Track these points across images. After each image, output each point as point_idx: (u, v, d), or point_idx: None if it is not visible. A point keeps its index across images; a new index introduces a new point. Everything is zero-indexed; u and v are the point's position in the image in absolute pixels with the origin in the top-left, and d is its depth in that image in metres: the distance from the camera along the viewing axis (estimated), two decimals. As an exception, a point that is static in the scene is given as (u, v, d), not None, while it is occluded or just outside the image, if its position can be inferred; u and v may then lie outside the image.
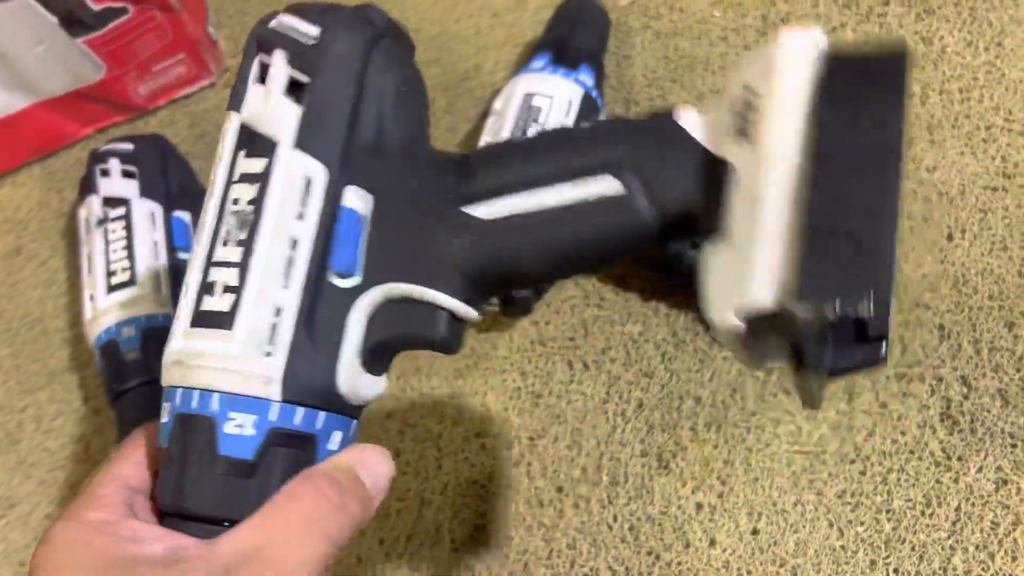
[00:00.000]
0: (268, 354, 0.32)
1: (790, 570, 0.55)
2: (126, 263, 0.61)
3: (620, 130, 0.34)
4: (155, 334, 0.60)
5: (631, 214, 0.33)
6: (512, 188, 0.33)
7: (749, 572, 0.55)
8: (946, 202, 0.64)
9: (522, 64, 0.75)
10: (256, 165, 0.33)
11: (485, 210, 0.34)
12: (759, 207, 0.29)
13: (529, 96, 0.64)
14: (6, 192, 0.77)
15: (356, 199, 0.33)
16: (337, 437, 0.34)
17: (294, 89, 0.33)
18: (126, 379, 0.59)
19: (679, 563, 0.55)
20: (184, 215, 0.65)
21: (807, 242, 0.28)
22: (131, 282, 0.61)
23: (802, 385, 0.30)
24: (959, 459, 0.56)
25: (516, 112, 0.64)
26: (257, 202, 0.32)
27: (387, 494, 0.34)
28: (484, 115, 0.74)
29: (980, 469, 0.55)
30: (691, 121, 0.33)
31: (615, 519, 0.58)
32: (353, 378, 0.34)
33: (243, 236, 0.32)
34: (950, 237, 0.62)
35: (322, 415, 0.33)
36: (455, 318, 0.34)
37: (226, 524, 0.31)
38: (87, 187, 0.66)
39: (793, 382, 0.31)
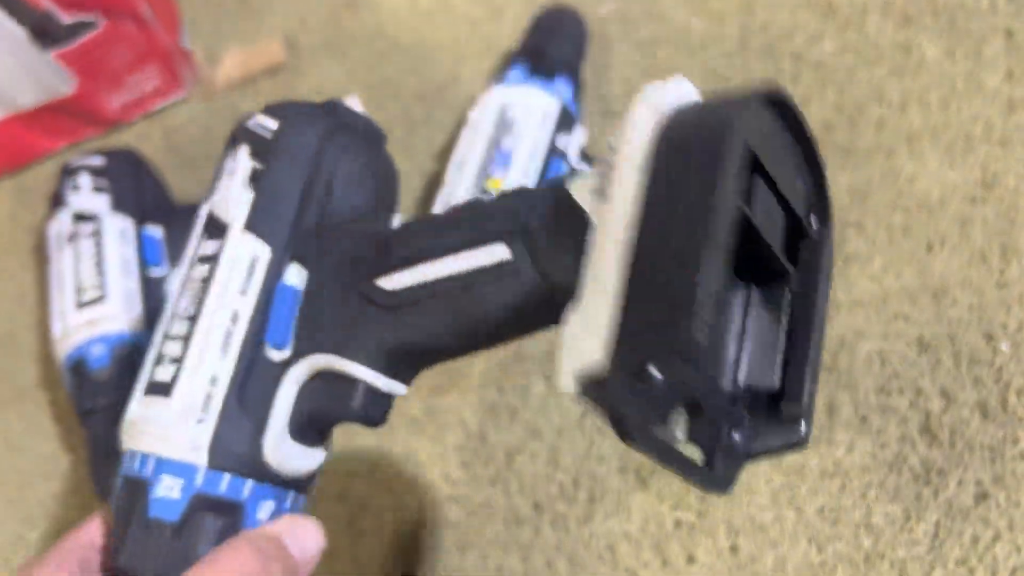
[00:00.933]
0: (200, 421, 0.33)
1: (769, 588, 0.54)
2: (96, 279, 0.61)
3: (519, 199, 0.34)
4: (125, 352, 0.59)
5: (517, 281, 0.33)
6: (416, 259, 0.34)
7: (728, 590, 0.54)
8: (926, 213, 0.63)
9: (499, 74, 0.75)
10: (212, 247, 0.36)
11: (393, 281, 0.34)
12: (598, 268, 0.29)
13: (504, 107, 0.64)
14: (-23, 206, 0.76)
15: (295, 276, 0.36)
16: (267, 507, 0.34)
17: (255, 178, 0.36)
18: (95, 397, 0.58)
19: (657, 581, 0.54)
20: (155, 231, 0.64)
21: (625, 305, 0.27)
22: (101, 299, 0.60)
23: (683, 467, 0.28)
24: (939, 473, 0.55)
25: (491, 124, 0.63)
26: (207, 280, 0.35)
27: (315, 566, 0.35)
28: (460, 126, 0.73)
29: (960, 483, 0.55)
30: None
31: (592, 537, 0.57)
32: (280, 448, 0.34)
33: (192, 311, 0.35)
34: (929, 248, 0.62)
35: (249, 483, 0.34)
36: (377, 391, 0.35)
37: None
38: (57, 202, 0.65)
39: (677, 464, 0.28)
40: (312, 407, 0.35)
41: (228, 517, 0.33)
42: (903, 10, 0.70)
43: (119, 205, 0.64)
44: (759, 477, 0.57)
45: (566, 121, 0.65)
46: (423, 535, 0.59)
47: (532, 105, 0.63)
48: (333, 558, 0.59)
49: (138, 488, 0.34)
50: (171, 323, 0.36)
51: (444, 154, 0.72)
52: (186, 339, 0.34)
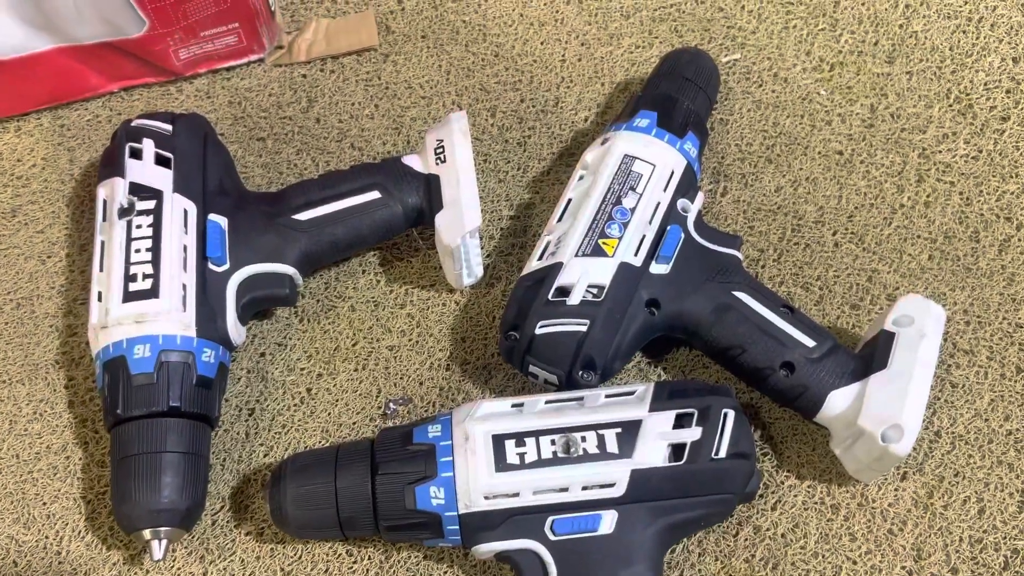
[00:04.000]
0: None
1: None
2: (149, 269, 0.53)
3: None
4: (170, 358, 0.52)
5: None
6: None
7: None
8: (1042, 353, 0.59)
9: (611, 107, 0.69)
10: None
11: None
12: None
13: (630, 159, 0.58)
14: (8, 140, 0.68)
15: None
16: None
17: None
18: (131, 407, 0.51)
19: None
20: (221, 220, 0.57)
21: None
22: (152, 293, 0.53)
23: None
24: (1027, 646, 0.52)
25: (612, 173, 0.57)
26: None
27: None
28: (560, 156, 0.67)
29: (1048, 661, 0.51)
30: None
31: None
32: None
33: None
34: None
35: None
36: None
37: None
38: (112, 164, 0.57)
39: None
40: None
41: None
42: (1047, 127, 0.66)
43: (183, 184, 0.57)
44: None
45: (690, 183, 0.59)
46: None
47: (659, 162, 0.58)
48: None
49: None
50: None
51: (536, 184, 0.66)
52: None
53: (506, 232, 0.65)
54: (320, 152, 0.67)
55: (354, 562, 0.54)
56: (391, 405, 0.57)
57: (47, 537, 0.55)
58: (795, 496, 0.56)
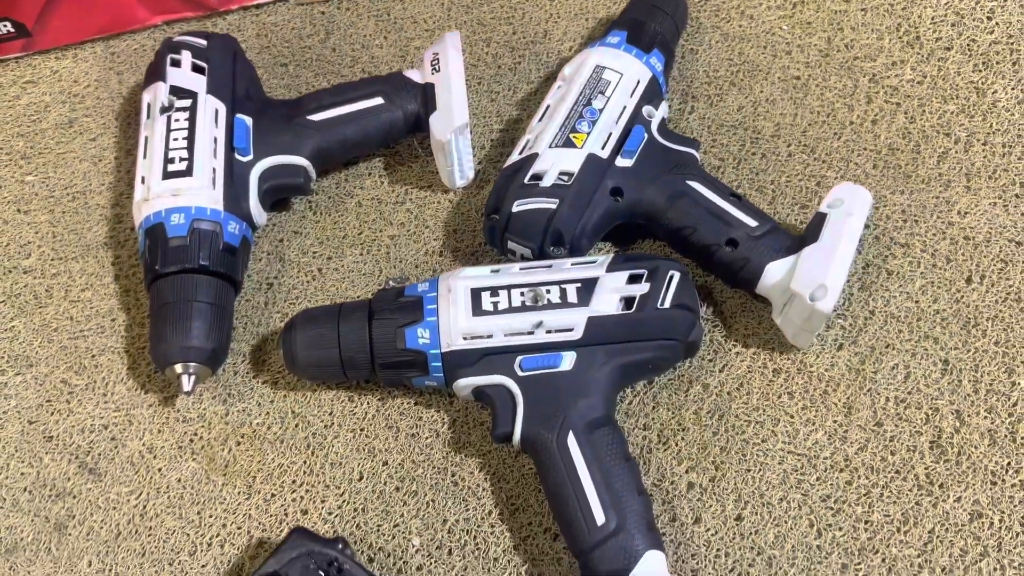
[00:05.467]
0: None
1: (766, 559, 0.57)
2: (185, 153, 0.63)
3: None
4: (201, 226, 0.61)
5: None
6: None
7: (727, 554, 0.58)
8: (971, 247, 0.66)
9: (594, 38, 0.77)
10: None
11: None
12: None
13: (600, 68, 0.66)
14: (67, 64, 0.78)
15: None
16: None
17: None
18: (167, 263, 0.60)
19: (663, 534, 0.58)
20: (246, 119, 0.66)
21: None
22: (187, 172, 0.62)
23: None
24: (940, 486, 0.59)
25: (585, 81, 0.66)
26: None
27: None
28: (546, 79, 0.76)
29: (959, 499, 0.58)
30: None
31: (609, 483, 0.60)
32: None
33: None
34: (968, 280, 0.65)
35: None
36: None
37: None
38: (156, 73, 0.67)
39: None
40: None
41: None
42: (985, 53, 0.73)
43: (215, 88, 0.66)
44: (773, 457, 0.60)
45: (655, 93, 0.67)
46: (444, 484, 0.62)
47: (627, 71, 0.66)
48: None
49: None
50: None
51: (525, 103, 0.75)
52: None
53: (496, 143, 0.73)
54: (335, 76, 0.77)
55: (355, 406, 0.63)
56: (390, 282, 0.65)
57: (95, 381, 0.65)
58: (741, 361, 0.63)
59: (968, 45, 0.75)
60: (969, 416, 0.60)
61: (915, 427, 0.61)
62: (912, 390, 0.62)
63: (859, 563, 0.57)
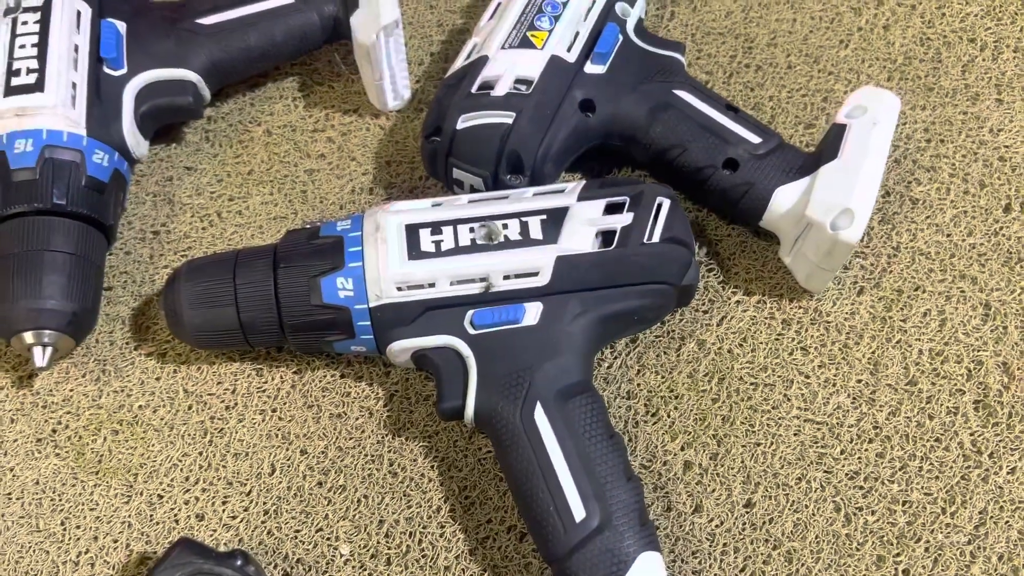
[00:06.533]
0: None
1: (784, 554, 0.46)
2: (34, 64, 0.49)
3: None
4: (56, 154, 0.47)
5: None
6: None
7: (736, 549, 0.46)
8: (1008, 169, 0.55)
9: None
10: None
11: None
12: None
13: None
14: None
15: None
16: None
17: None
18: (10, 202, 0.47)
19: (657, 528, 0.46)
20: (117, 23, 0.52)
21: None
22: (37, 87, 0.48)
23: None
24: (991, 456, 0.48)
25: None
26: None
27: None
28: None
29: (1013, 470, 0.47)
30: None
31: (586, 466, 0.48)
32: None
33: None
34: (1007, 208, 0.54)
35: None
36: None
37: None
38: (-2, -33, 0.53)
39: None
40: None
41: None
42: (1013, -56, 0.62)
43: (76, -16, 0.52)
44: (787, 427, 0.49)
45: (609, 12, 0.55)
46: (416, 466, 0.50)
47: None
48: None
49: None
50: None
51: (471, 10, 0.62)
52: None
53: (437, 57, 0.60)
54: (238, -20, 0.63)
55: (264, 382, 0.50)
56: (306, 226, 0.52)
57: (-75, 359, 0.51)
58: (743, 311, 0.52)
59: (990, -63, 0.63)
60: (1019, 369, 0.50)
61: (956, 384, 0.50)
62: (949, 340, 0.51)
63: (898, 553, 0.46)
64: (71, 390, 0.50)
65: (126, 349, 0.51)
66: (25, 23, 0.50)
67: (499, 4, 0.54)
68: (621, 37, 0.53)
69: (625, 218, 0.45)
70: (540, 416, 0.43)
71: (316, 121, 0.58)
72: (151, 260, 0.53)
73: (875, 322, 0.51)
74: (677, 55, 0.54)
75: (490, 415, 0.44)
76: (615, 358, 0.51)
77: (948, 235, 0.54)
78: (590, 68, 0.51)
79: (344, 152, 0.57)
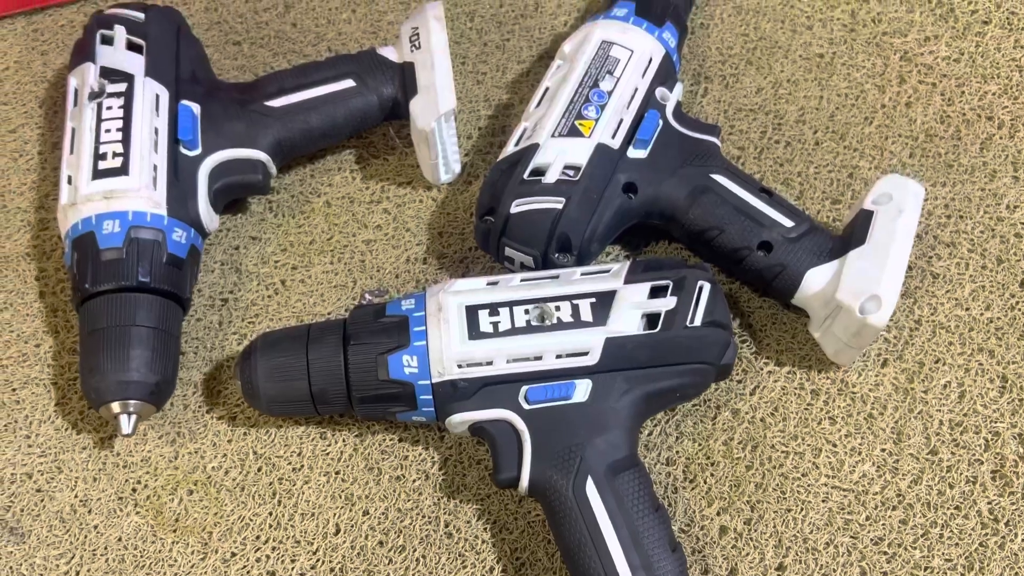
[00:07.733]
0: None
1: (814, 616, 0.49)
2: (119, 148, 0.53)
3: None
4: (140, 234, 0.51)
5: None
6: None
7: (769, 611, 0.50)
8: (1024, 245, 0.59)
9: (592, 10, 0.68)
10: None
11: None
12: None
13: (607, 44, 0.57)
14: (-19, 43, 0.67)
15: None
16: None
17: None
18: (99, 280, 0.50)
19: (695, 589, 0.49)
20: (193, 106, 0.56)
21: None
22: (122, 171, 0.52)
23: None
24: (1007, 524, 0.51)
25: (590, 59, 0.57)
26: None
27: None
28: (540, 59, 0.66)
29: (1028, 538, 0.51)
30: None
31: (628, 529, 0.52)
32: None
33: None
34: (1023, 284, 0.58)
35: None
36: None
37: None
38: (83, 53, 0.57)
39: None
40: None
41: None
42: (1029, 28, 0.66)
43: (156, 70, 0.56)
44: (816, 494, 0.52)
45: (668, 72, 0.58)
46: (452, 517, 0.53)
47: (637, 48, 0.57)
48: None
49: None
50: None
51: (515, 85, 0.66)
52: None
53: (484, 131, 0.64)
54: (296, 55, 0.67)
55: (328, 445, 0.54)
56: (366, 296, 0.56)
57: (16, 420, 0.54)
58: (774, 382, 0.55)
59: (1007, 18, 0.67)
60: (1035, 441, 0.53)
61: (974, 455, 0.53)
62: (968, 411, 0.54)
63: (921, 617, 0.49)
64: (149, 451, 0.54)
65: (199, 412, 0.55)
66: (109, 108, 0.54)
67: (546, 90, 0.57)
68: (661, 123, 0.56)
69: (669, 302, 0.49)
70: (591, 490, 0.46)
71: (373, 193, 0.62)
72: (220, 327, 0.57)
73: (898, 393, 0.55)
74: (714, 139, 0.57)
75: (544, 487, 0.47)
76: (655, 426, 0.54)
77: (967, 309, 0.57)
78: (633, 153, 0.55)
79: (399, 223, 0.61)
